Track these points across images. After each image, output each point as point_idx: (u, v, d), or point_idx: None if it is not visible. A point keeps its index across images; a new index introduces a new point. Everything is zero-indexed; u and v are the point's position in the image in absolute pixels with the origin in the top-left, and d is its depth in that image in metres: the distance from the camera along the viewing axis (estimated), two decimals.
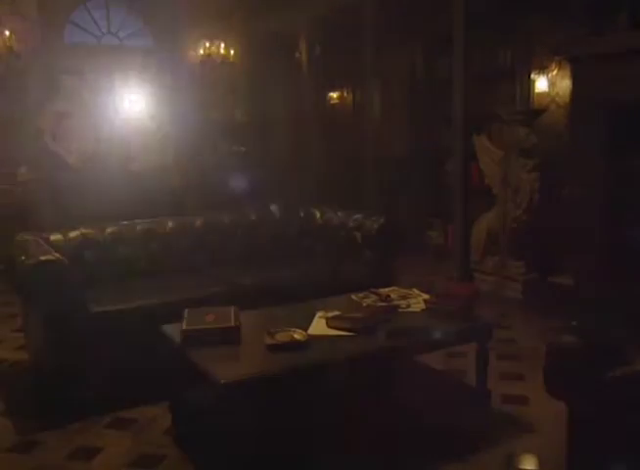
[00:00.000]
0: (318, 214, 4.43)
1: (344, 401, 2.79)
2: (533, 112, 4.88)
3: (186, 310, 2.72)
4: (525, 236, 4.81)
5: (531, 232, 4.80)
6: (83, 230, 3.68)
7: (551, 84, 5.03)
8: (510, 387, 3.22)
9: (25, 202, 5.96)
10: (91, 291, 3.17)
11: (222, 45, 7.21)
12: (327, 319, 2.74)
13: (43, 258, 2.93)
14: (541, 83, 5.08)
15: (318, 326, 2.71)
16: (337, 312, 2.78)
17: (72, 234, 3.62)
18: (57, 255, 3.04)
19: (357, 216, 4.17)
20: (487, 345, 2.86)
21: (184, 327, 2.57)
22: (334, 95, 7.65)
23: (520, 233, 4.81)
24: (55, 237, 3.55)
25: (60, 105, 5.71)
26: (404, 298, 3.07)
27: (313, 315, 2.82)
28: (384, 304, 2.97)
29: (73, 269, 3.08)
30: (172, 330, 2.68)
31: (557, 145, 4.85)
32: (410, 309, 2.93)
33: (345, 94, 7.56)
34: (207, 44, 7.16)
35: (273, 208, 4.47)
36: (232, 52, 7.30)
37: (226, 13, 7.31)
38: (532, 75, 5.14)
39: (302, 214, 4.48)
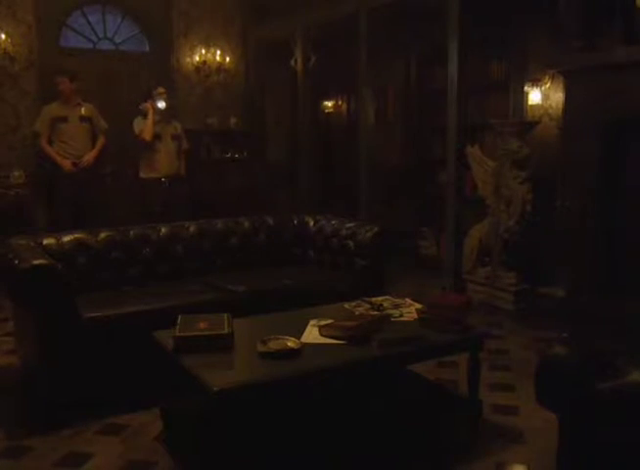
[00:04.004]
0: (311, 222, 4.44)
1: (336, 410, 2.80)
2: (527, 124, 4.92)
3: (179, 317, 2.72)
4: (517, 247, 4.84)
5: (523, 243, 4.83)
6: (77, 235, 3.67)
7: (544, 97, 5.08)
8: (501, 397, 3.23)
9: (19, 205, 5.96)
10: (84, 296, 3.16)
11: (218, 52, 7.24)
12: (320, 328, 2.74)
13: (36, 262, 2.92)
14: (535, 96, 5.14)
15: (311, 334, 2.72)
16: (329, 321, 2.79)
17: (66, 238, 3.61)
18: (50, 259, 3.03)
19: (350, 225, 4.19)
20: (479, 355, 2.87)
21: (177, 333, 2.57)
22: (328, 104, 7.70)
23: (512, 244, 4.84)
24: (48, 241, 3.55)
25: (55, 108, 5.68)
26: (397, 307, 3.08)
27: (306, 323, 2.83)
28: (376, 313, 2.98)
29: (66, 274, 3.07)
30: (165, 336, 2.67)
31: (550, 157, 4.89)
32: (403, 319, 2.94)
33: (340, 103, 7.61)
34: (203, 51, 7.19)
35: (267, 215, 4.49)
36: (227, 59, 7.33)
37: (222, 20, 7.35)
38: (526, 88, 5.19)
39: (296, 222, 4.48)
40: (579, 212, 4.36)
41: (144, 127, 5.59)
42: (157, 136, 5.68)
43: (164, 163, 5.75)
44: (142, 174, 5.80)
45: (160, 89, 5.76)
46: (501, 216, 4.86)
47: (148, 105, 5.62)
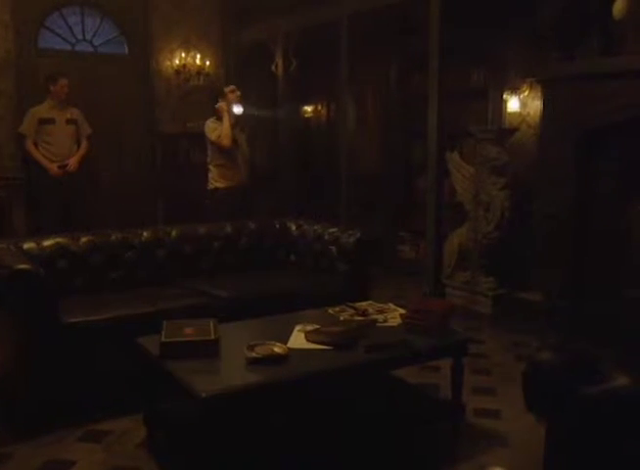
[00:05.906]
0: (294, 227, 4.45)
1: (321, 415, 2.81)
2: (505, 131, 4.99)
3: (164, 322, 2.71)
4: (495, 252, 4.91)
5: (502, 248, 4.90)
6: (58, 239, 3.62)
7: (522, 105, 5.16)
8: (482, 401, 3.27)
9: None
10: (64, 301, 3.12)
11: (198, 56, 7.21)
12: (306, 333, 2.75)
13: (18, 267, 2.88)
14: (513, 103, 5.21)
15: (297, 340, 2.72)
16: (315, 326, 2.80)
17: (46, 243, 3.56)
18: (32, 264, 2.99)
19: (333, 230, 4.20)
20: (462, 359, 2.90)
21: (163, 339, 2.55)
22: (308, 109, 7.71)
23: (490, 249, 4.90)
24: (28, 245, 3.50)
25: (43, 110, 5.60)
26: (381, 312, 3.09)
27: (291, 329, 2.83)
28: (361, 318, 3.00)
29: (47, 279, 3.03)
30: (149, 342, 2.65)
31: (528, 163, 4.97)
32: (387, 324, 2.95)
33: (320, 108, 7.62)
34: (183, 54, 7.15)
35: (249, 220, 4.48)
36: (207, 63, 7.30)
37: (203, 24, 7.33)
38: (505, 95, 5.27)
39: (278, 227, 4.48)
40: (556, 218, 4.43)
41: (222, 132, 4.98)
42: (234, 142, 5.08)
43: (242, 171, 5.23)
44: (216, 184, 5.17)
45: (236, 90, 5.18)
46: (480, 222, 4.92)
47: (222, 106, 5.02)
